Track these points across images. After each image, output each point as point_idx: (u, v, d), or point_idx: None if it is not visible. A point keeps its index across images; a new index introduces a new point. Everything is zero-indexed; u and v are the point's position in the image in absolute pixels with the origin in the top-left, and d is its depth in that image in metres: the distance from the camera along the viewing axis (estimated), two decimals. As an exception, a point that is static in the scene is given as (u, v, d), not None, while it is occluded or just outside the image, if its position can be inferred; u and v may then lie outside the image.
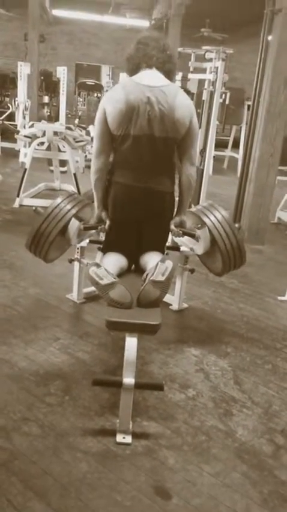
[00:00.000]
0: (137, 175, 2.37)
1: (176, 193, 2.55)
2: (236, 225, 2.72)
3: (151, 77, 2.34)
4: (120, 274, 2.37)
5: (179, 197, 2.60)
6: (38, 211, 2.64)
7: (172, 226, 2.53)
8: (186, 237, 2.81)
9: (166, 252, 2.63)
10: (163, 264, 2.16)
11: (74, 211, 2.57)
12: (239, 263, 2.73)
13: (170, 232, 2.59)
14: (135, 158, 2.35)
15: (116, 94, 2.31)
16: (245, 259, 2.74)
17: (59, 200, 2.63)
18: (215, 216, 2.66)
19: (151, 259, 2.38)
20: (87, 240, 2.94)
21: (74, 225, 2.57)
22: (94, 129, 2.44)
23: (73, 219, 2.56)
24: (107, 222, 2.50)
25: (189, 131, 2.37)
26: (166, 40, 2.59)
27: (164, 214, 2.50)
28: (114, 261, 2.41)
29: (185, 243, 2.91)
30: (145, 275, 2.20)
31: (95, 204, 2.55)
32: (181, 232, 2.57)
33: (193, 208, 2.82)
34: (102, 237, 2.79)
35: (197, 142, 2.53)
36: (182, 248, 3.01)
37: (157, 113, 2.26)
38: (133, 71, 2.40)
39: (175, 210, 2.58)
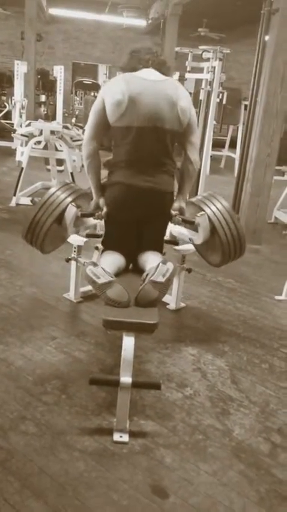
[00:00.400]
0: (139, 175, 2.35)
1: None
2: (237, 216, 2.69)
3: (150, 73, 2.37)
4: (118, 273, 2.37)
5: (180, 183, 2.58)
6: (35, 202, 2.61)
7: (172, 212, 2.51)
8: (185, 229, 2.79)
9: (163, 252, 2.63)
10: (164, 265, 2.17)
11: (70, 199, 2.52)
12: (238, 253, 2.67)
13: (169, 221, 2.57)
14: (138, 154, 2.33)
15: (117, 85, 2.30)
16: (244, 249, 2.68)
17: (55, 188, 2.59)
18: (215, 205, 2.63)
19: (150, 259, 2.38)
20: (85, 239, 2.94)
21: (71, 212, 2.51)
22: (89, 118, 2.42)
23: (70, 205, 2.51)
24: (105, 209, 2.47)
25: (190, 121, 2.41)
26: (159, 48, 2.64)
27: (164, 213, 2.50)
28: (111, 260, 2.41)
29: (183, 235, 2.88)
30: (144, 275, 2.19)
31: (92, 190, 2.53)
32: (180, 219, 2.54)
33: (193, 199, 2.79)
34: (99, 230, 2.76)
35: (197, 130, 2.55)
36: (180, 246, 3.00)
37: (160, 105, 2.27)
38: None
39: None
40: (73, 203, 2.52)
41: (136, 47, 2.54)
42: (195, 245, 2.84)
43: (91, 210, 2.56)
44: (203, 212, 2.61)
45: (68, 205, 2.51)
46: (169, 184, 2.44)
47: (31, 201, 2.63)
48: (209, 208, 2.62)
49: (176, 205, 2.54)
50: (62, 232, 2.64)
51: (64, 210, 2.51)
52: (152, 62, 2.40)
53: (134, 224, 2.46)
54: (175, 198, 2.54)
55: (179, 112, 2.32)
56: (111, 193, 2.44)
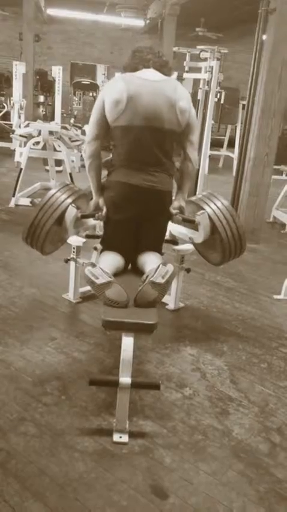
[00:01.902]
0: (138, 174, 2.35)
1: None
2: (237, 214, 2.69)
3: (150, 74, 2.38)
4: (117, 273, 2.37)
5: (179, 182, 2.59)
6: (35, 203, 2.61)
7: (172, 211, 2.51)
8: (184, 228, 2.79)
9: (162, 252, 2.63)
10: (164, 267, 2.17)
11: (70, 200, 2.52)
12: (239, 251, 2.67)
13: (169, 220, 2.57)
14: (137, 154, 2.34)
15: (116, 84, 2.32)
16: (245, 247, 2.67)
17: (54, 190, 2.59)
18: (215, 204, 2.63)
19: (149, 260, 2.39)
20: (84, 239, 2.94)
21: (71, 213, 2.51)
22: (91, 116, 2.43)
23: (70, 207, 2.51)
24: (104, 210, 2.47)
25: (189, 121, 2.42)
26: (160, 48, 2.65)
27: (163, 214, 2.50)
28: (110, 260, 2.41)
29: (183, 234, 2.88)
30: (144, 276, 2.20)
31: (92, 191, 2.53)
32: (180, 218, 2.53)
33: (193, 198, 2.78)
34: (98, 231, 2.76)
35: (197, 130, 2.55)
36: (179, 246, 3.00)
37: (159, 105, 2.28)
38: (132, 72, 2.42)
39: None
40: (73, 204, 2.52)
41: (139, 46, 2.57)
42: (195, 244, 2.84)
43: (91, 211, 2.56)
44: (203, 211, 2.61)
45: (68, 206, 2.51)
46: (167, 184, 2.44)
47: (30, 202, 2.62)
48: (209, 206, 2.61)
49: (176, 204, 2.54)
50: (62, 234, 2.64)
51: (64, 212, 2.51)
52: (153, 62, 2.42)
53: (133, 223, 2.46)
54: (174, 197, 2.55)
55: (178, 112, 2.32)
56: (111, 192, 2.45)
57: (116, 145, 2.39)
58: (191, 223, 2.67)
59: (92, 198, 2.56)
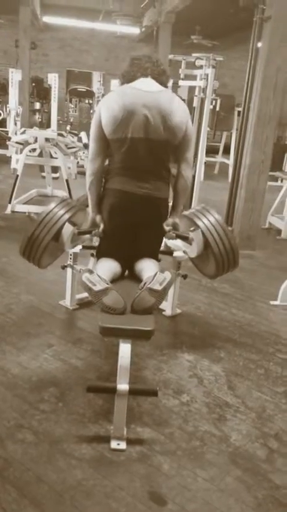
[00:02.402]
0: (134, 181, 2.37)
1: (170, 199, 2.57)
2: (229, 228, 2.73)
3: (147, 84, 2.38)
4: (114, 280, 2.38)
5: (174, 198, 2.61)
6: (31, 217, 2.64)
7: (165, 227, 2.53)
8: (179, 241, 2.81)
9: (159, 259, 2.64)
10: (161, 274, 2.18)
11: (67, 216, 2.56)
12: (232, 266, 2.72)
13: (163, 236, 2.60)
14: (133, 163, 2.36)
15: (112, 98, 2.35)
16: (238, 261, 2.73)
17: (52, 205, 2.62)
18: (208, 219, 2.66)
19: (147, 267, 2.39)
20: (81, 246, 2.95)
21: (68, 230, 2.55)
22: (90, 132, 2.45)
23: (67, 224, 2.55)
24: (101, 226, 2.50)
25: (185, 135, 2.42)
26: (158, 57, 2.66)
27: (160, 220, 2.51)
28: (107, 267, 2.42)
29: (178, 246, 2.92)
30: (142, 284, 2.20)
31: (90, 208, 2.55)
32: (174, 235, 2.57)
33: (186, 212, 2.82)
34: (95, 242, 2.79)
35: (192, 145, 2.57)
36: (175, 253, 3.02)
37: (154, 116, 2.29)
38: (129, 81, 2.43)
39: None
40: (71, 219, 2.55)
41: (138, 54, 2.56)
42: (190, 257, 2.88)
43: (88, 227, 2.58)
44: (196, 227, 2.65)
45: (65, 223, 2.54)
46: (164, 191, 2.46)
47: (27, 215, 2.65)
48: (202, 221, 2.66)
49: (170, 220, 2.56)
50: (58, 248, 2.69)
51: (61, 228, 2.54)
52: (151, 71, 2.42)
53: (130, 230, 2.47)
54: (169, 204, 2.56)
55: (173, 124, 2.33)
56: (106, 199, 2.46)
57: (112, 155, 2.41)
58: (185, 240, 2.71)
59: (88, 205, 2.58)
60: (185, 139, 2.43)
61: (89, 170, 2.47)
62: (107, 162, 2.49)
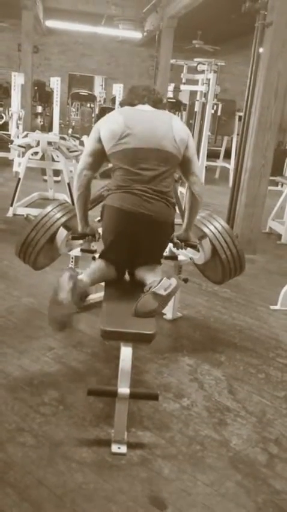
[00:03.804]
0: (133, 198, 2.29)
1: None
2: (235, 234, 2.79)
3: (144, 107, 2.47)
4: (103, 279, 2.43)
5: (187, 213, 2.63)
6: (29, 219, 2.67)
7: (176, 240, 2.58)
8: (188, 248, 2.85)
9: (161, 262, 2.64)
10: (167, 280, 2.18)
11: (63, 220, 2.59)
12: (238, 271, 2.79)
13: (170, 244, 2.63)
14: (135, 175, 2.30)
15: (112, 116, 2.42)
16: (244, 267, 2.80)
17: (49, 208, 2.65)
18: (215, 226, 2.71)
19: (151, 272, 2.38)
20: (79, 249, 2.96)
21: (62, 234, 2.58)
22: (85, 147, 2.47)
23: (61, 228, 2.58)
24: (98, 231, 2.52)
25: (189, 147, 2.44)
26: (156, 87, 2.76)
27: (163, 240, 2.50)
28: (96, 269, 2.41)
29: (184, 253, 2.94)
30: (147, 287, 2.20)
31: (78, 220, 2.56)
32: (183, 244, 2.64)
33: None
34: (93, 246, 2.80)
35: (197, 161, 2.57)
36: (180, 257, 3.03)
37: (156, 127, 2.33)
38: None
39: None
40: (66, 224, 2.59)
41: (137, 84, 2.67)
42: (196, 264, 2.91)
43: (81, 233, 2.62)
44: (205, 235, 2.70)
45: (60, 227, 2.56)
46: (166, 214, 2.37)
47: (25, 218, 2.68)
48: (209, 229, 2.70)
49: (183, 234, 2.63)
50: (54, 251, 2.72)
51: (56, 231, 2.57)
52: (148, 99, 2.49)
53: (130, 244, 2.39)
54: (174, 223, 2.51)
55: (175, 135, 2.36)
56: (104, 216, 2.42)
57: (114, 170, 2.38)
58: (193, 248, 2.76)
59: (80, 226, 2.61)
60: (188, 152, 2.44)
61: (77, 183, 2.43)
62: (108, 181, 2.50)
